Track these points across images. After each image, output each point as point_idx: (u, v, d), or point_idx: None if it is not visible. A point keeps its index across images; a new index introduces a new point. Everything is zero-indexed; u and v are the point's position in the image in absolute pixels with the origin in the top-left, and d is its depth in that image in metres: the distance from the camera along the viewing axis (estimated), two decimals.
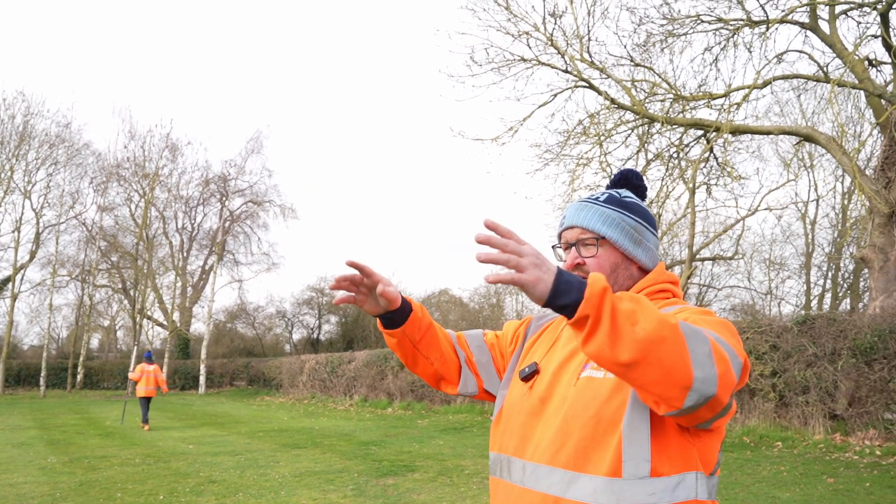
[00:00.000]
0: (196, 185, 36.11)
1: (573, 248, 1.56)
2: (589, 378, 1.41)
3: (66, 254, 33.70)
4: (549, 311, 1.74)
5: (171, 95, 61.02)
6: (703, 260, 23.40)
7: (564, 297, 1.12)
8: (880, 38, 11.61)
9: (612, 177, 1.69)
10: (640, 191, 1.66)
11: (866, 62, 12.18)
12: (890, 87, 11.82)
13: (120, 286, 34.91)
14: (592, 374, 1.41)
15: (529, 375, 1.54)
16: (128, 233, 34.47)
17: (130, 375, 15.13)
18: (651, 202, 15.48)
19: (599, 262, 1.53)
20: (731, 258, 22.68)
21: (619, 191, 1.63)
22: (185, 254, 37.27)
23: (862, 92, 12.91)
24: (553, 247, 1.65)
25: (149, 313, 34.57)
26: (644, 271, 1.59)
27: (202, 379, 32.08)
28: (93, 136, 64.09)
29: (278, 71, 70.70)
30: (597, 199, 1.59)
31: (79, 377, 32.76)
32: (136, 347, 31.58)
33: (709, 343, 1.16)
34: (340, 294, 1.54)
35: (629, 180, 1.67)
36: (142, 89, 59.22)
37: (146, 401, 14.53)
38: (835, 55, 12.41)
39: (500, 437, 1.57)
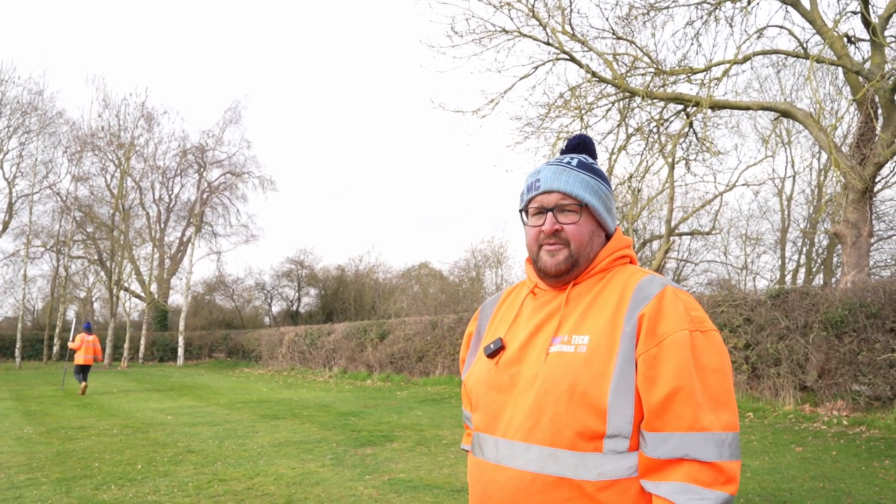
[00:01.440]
0: (173, 156, 35.62)
1: (549, 213, 1.50)
2: (559, 353, 1.40)
3: (40, 224, 33.18)
4: (500, 292, 1.73)
5: (147, 64, 59.84)
6: (681, 235, 23.61)
7: None
8: (860, 15, 11.66)
9: (569, 140, 1.64)
10: (594, 157, 1.64)
11: (845, 39, 12.24)
12: (868, 65, 11.91)
13: (96, 257, 34.46)
14: (563, 348, 1.41)
15: (495, 352, 1.52)
16: (103, 203, 33.94)
17: (70, 345, 16.43)
18: (631, 176, 15.54)
19: (579, 230, 1.49)
20: (708, 233, 22.90)
21: (583, 156, 1.59)
22: (162, 225, 36.87)
23: (840, 69, 13.00)
24: (520, 211, 1.59)
25: (126, 285, 34.23)
26: (608, 238, 1.58)
27: (180, 351, 31.98)
28: (66, 105, 63.06)
29: (256, 40, 69.56)
30: (569, 163, 1.55)
31: (55, 349, 32.47)
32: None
33: None
34: None
35: (587, 146, 1.63)
36: (116, 57, 58.00)
37: (86, 368, 16.15)
38: (814, 31, 12.46)
39: (473, 416, 1.56)
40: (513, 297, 1.67)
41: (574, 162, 1.55)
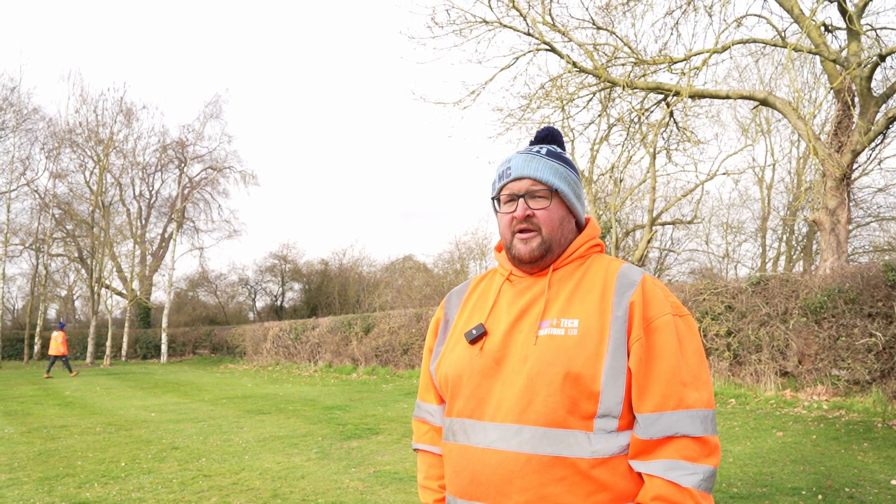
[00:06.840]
0: (153, 151, 35.22)
1: (521, 199, 1.53)
2: (550, 336, 1.43)
3: (18, 222, 32.70)
4: (467, 281, 1.76)
5: (124, 58, 59.12)
6: (663, 224, 23.75)
7: None
8: (836, 3, 11.76)
9: (538, 132, 1.68)
10: (563, 148, 1.68)
11: (822, 27, 12.34)
12: (844, 53, 12.02)
13: (76, 255, 34.05)
14: (553, 331, 1.43)
15: (478, 338, 1.52)
16: (83, 200, 33.47)
17: None
18: (613, 166, 15.62)
19: (550, 215, 1.53)
20: (690, 222, 23.05)
21: (551, 146, 1.63)
22: (143, 221, 36.50)
23: (818, 57, 13.10)
24: (492, 199, 1.61)
25: (107, 282, 33.88)
26: (577, 225, 1.62)
27: (164, 348, 31.74)
28: (42, 101, 61.95)
29: (236, 34, 68.94)
30: (538, 151, 1.59)
31: (36, 348, 32.09)
32: (94, 317, 31.02)
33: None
34: None
35: (555, 137, 1.66)
36: (92, 52, 57.22)
37: None
38: (792, 20, 12.54)
39: (450, 403, 1.55)
40: (484, 285, 1.69)
41: (543, 150, 1.60)
